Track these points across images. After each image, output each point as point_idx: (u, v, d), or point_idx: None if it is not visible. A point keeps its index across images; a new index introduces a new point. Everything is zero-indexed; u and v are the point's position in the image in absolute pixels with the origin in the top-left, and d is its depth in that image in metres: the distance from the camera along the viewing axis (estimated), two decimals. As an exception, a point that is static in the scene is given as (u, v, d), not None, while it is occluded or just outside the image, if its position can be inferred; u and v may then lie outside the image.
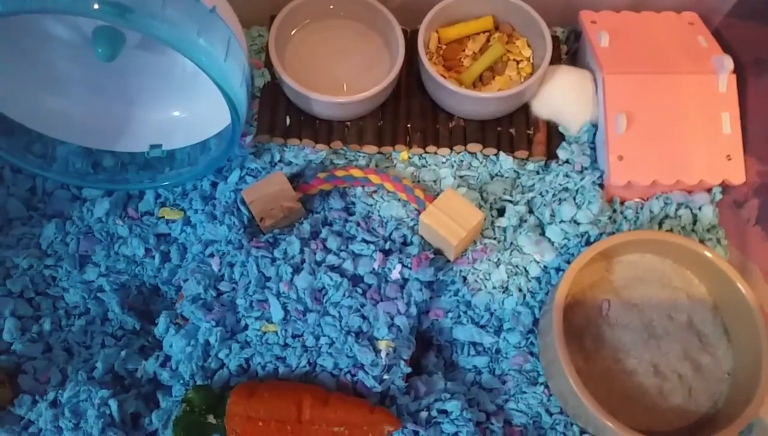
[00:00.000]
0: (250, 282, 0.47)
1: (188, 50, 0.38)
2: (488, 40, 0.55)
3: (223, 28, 0.41)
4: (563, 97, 0.52)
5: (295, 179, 0.52)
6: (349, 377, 0.45)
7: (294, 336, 0.46)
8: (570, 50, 0.58)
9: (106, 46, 0.43)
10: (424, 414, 0.45)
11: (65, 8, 0.35)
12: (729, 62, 0.50)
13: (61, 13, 0.42)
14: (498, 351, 0.49)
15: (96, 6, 0.35)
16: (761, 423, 0.46)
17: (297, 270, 0.48)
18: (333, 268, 0.48)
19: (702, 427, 0.44)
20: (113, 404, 0.44)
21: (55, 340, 0.48)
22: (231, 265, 0.48)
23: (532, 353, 0.48)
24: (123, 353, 0.47)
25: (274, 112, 0.53)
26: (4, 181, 0.52)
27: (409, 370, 0.46)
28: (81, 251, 0.50)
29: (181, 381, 0.45)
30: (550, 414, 0.47)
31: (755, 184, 0.51)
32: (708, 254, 0.46)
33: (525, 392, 0.47)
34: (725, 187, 0.51)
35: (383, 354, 0.45)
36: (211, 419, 0.42)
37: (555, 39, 0.57)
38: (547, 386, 0.47)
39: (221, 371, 0.46)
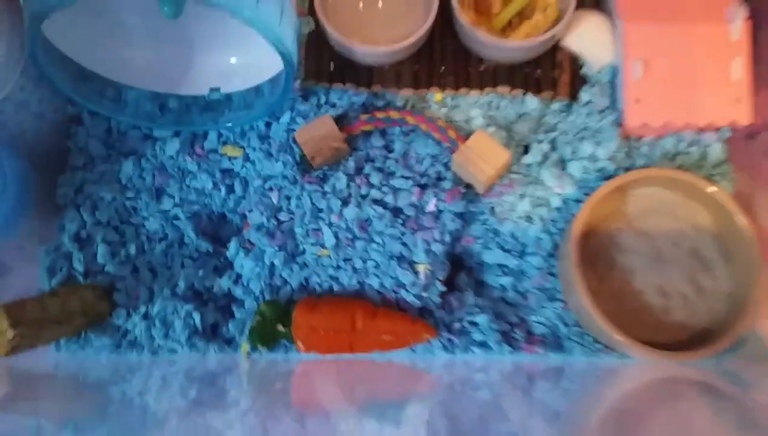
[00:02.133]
0: (305, 213, 0.54)
1: (247, 17, 0.44)
2: (518, -14, 0.59)
3: (289, 7, 0.46)
4: (585, 42, 0.57)
5: (339, 120, 0.57)
6: (392, 294, 0.53)
7: (345, 260, 0.53)
8: (595, -8, 0.62)
9: (171, 5, 0.49)
10: (456, 325, 0.52)
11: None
12: (741, 11, 0.53)
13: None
14: (522, 272, 0.56)
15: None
16: (755, 336, 0.53)
17: (345, 203, 0.54)
18: (376, 201, 0.55)
19: (701, 339, 0.51)
20: (196, 316, 0.52)
21: (141, 262, 0.56)
22: (288, 197, 0.55)
23: (551, 274, 0.55)
24: (200, 272, 0.55)
25: (319, 58, 0.59)
26: (84, 123, 0.59)
27: (443, 288, 0.53)
28: (157, 184, 0.57)
29: (252, 296, 0.53)
30: (567, 325, 0.54)
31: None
32: (710, 188, 0.52)
33: (544, 307, 0.54)
34: (734, 126, 0.56)
35: (421, 275, 0.52)
36: (280, 328, 0.51)
37: (581, -19, 0.61)
38: (563, 302, 0.54)
39: (284, 288, 0.53)
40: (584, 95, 0.57)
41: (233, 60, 0.58)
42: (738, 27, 0.54)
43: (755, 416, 0.40)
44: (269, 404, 0.47)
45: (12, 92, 0.52)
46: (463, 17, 0.56)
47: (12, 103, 0.53)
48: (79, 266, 0.54)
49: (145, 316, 0.53)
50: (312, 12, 0.57)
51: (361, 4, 0.58)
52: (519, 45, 0.55)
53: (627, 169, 0.55)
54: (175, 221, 0.57)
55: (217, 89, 0.58)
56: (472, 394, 0.46)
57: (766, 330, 0.51)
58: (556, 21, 0.57)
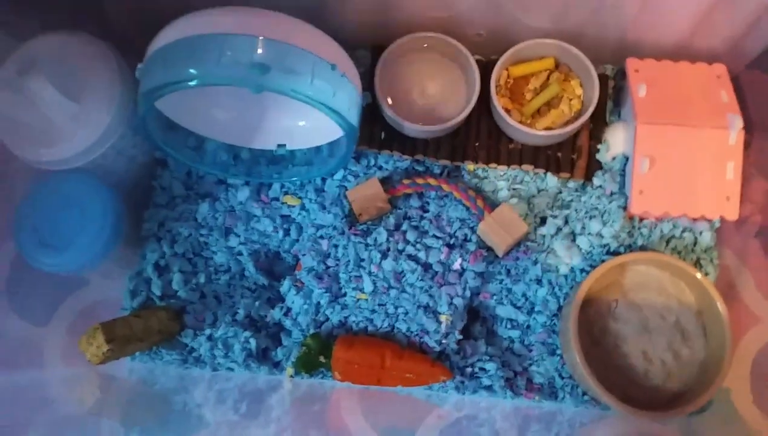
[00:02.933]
0: (349, 261, 0.64)
1: (326, 110, 0.54)
2: (548, 78, 0.68)
3: (349, 86, 0.56)
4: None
5: (384, 182, 0.67)
6: (417, 338, 0.62)
7: (380, 305, 0.63)
8: (617, 85, 0.70)
9: (257, 88, 0.58)
10: (469, 370, 0.62)
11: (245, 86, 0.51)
12: (739, 121, 0.62)
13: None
14: (528, 327, 0.65)
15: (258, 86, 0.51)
16: (721, 401, 0.61)
17: (384, 255, 0.64)
18: (410, 256, 0.64)
19: (674, 401, 0.60)
20: (253, 341, 0.63)
21: (208, 290, 0.66)
22: (336, 246, 0.65)
23: (553, 331, 0.64)
24: (257, 303, 0.65)
25: (372, 127, 0.68)
26: (168, 167, 0.69)
27: (460, 337, 0.63)
28: (226, 224, 0.67)
29: (299, 328, 0.63)
30: (562, 378, 0.63)
31: (760, 203, 0.65)
32: (695, 274, 0.61)
33: (545, 360, 0.64)
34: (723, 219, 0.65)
35: (443, 324, 0.62)
36: (321, 359, 0.61)
37: (604, 77, 0.70)
38: (561, 357, 0.64)
39: (327, 323, 0.63)
40: (597, 180, 0.66)
41: (300, 123, 0.68)
42: (735, 134, 0.63)
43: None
44: (307, 424, 0.57)
45: (114, 141, 0.62)
46: (498, 102, 0.65)
47: (114, 150, 0.63)
48: (156, 291, 0.65)
49: (210, 337, 0.64)
50: (371, 88, 0.67)
51: (414, 88, 0.68)
52: (543, 133, 0.64)
53: (628, 247, 0.65)
54: (238, 257, 0.67)
55: (284, 146, 0.68)
56: (475, 430, 0.56)
57: (730, 397, 0.60)
58: (579, 112, 0.66)
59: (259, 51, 0.52)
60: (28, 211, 0.62)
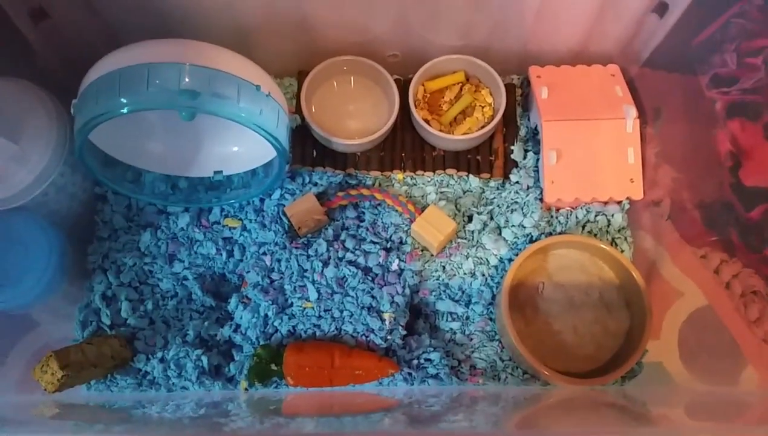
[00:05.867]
0: (293, 273, 0.67)
1: (254, 127, 0.58)
2: (461, 90, 0.74)
3: (274, 105, 0.60)
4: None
5: (320, 197, 0.71)
6: (364, 338, 0.65)
7: (325, 310, 0.66)
8: (524, 93, 0.77)
9: (188, 114, 0.62)
10: (415, 362, 0.65)
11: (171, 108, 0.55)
12: (633, 111, 0.69)
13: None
14: (467, 318, 0.69)
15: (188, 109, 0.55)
16: (649, 366, 0.66)
17: (325, 264, 0.67)
18: (350, 262, 0.68)
19: (605, 369, 0.65)
20: (204, 358, 0.64)
21: (156, 315, 0.68)
22: (279, 260, 0.68)
23: (491, 319, 0.69)
24: (206, 323, 0.67)
25: (304, 146, 0.73)
26: (108, 201, 0.71)
27: (404, 332, 0.66)
28: (170, 251, 0.69)
29: (249, 342, 0.66)
30: (503, 361, 0.67)
31: (668, 187, 0.71)
32: (609, 250, 0.66)
33: (485, 346, 0.68)
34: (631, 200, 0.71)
35: (387, 322, 0.65)
36: (273, 367, 0.63)
37: (511, 86, 0.76)
38: (500, 342, 0.68)
39: (276, 335, 0.66)
40: (514, 176, 0.72)
41: (234, 148, 0.71)
42: (631, 122, 0.70)
43: (642, 417, 0.53)
44: (264, 416, 0.58)
45: (54, 178, 0.64)
46: (419, 115, 0.71)
47: (54, 187, 0.65)
48: (106, 320, 0.66)
49: (162, 360, 0.65)
50: (299, 111, 0.71)
51: (340, 108, 0.73)
52: (461, 138, 0.70)
53: (548, 234, 0.70)
54: (184, 281, 0.69)
55: (220, 172, 0.72)
56: (427, 409, 0.59)
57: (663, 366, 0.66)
58: (491, 118, 0.73)
59: (186, 78, 0.56)
60: (-29, 251, 0.63)
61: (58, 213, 0.68)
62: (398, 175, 0.73)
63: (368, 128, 0.72)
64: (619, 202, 0.72)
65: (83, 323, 0.66)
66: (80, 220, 0.71)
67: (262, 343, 0.65)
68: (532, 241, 0.70)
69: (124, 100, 0.54)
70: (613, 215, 0.71)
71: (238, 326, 0.67)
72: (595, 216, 0.71)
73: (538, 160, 0.72)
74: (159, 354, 0.65)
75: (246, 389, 0.65)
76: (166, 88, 0.54)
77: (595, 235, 0.71)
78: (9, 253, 0.63)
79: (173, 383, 0.65)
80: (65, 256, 0.65)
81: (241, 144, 0.71)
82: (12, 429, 0.47)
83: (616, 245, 0.71)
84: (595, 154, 0.70)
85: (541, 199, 0.71)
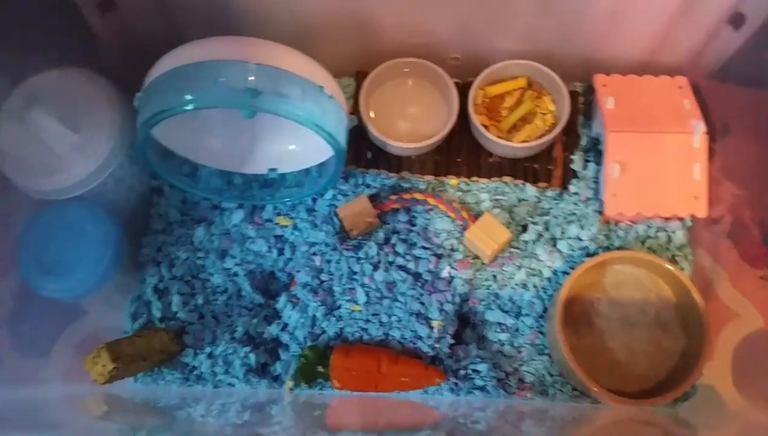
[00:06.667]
0: (342, 275, 0.67)
1: (316, 128, 0.57)
2: (522, 96, 0.72)
3: (336, 106, 0.60)
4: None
5: (373, 199, 0.70)
6: (411, 344, 0.65)
7: (373, 314, 0.65)
8: (586, 102, 0.75)
9: (250, 112, 0.62)
10: (462, 372, 0.64)
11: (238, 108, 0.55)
12: (702, 126, 0.66)
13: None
14: (517, 330, 0.67)
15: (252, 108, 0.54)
16: (701, 388, 0.64)
17: (375, 267, 0.67)
18: (400, 267, 0.67)
19: (657, 389, 0.63)
20: (252, 356, 0.64)
21: (206, 310, 0.68)
22: (328, 261, 0.68)
23: (541, 332, 0.67)
24: (254, 320, 0.67)
25: (359, 147, 0.72)
26: (164, 194, 0.72)
27: (452, 341, 0.65)
28: (222, 246, 0.70)
29: (296, 342, 0.65)
30: (552, 375, 0.66)
31: (729, 204, 0.68)
32: (669, 267, 0.64)
33: (534, 360, 0.66)
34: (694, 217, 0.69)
35: (435, 330, 0.64)
36: (320, 368, 0.63)
37: (575, 93, 0.74)
38: (550, 356, 0.66)
39: (323, 336, 0.66)
40: (572, 187, 0.70)
41: (291, 147, 0.71)
42: (699, 138, 0.67)
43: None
44: (308, 426, 0.58)
45: (113, 169, 0.65)
46: (477, 119, 0.69)
47: (113, 178, 0.66)
48: (157, 313, 0.67)
49: (210, 355, 0.66)
50: (356, 112, 0.71)
51: (397, 110, 0.72)
52: (520, 145, 0.68)
53: (606, 249, 0.68)
54: (235, 278, 0.69)
55: (275, 170, 0.72)
56: (471, 426, 0.58)
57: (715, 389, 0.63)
58: (552, 126, 0.71)
59: (251, 76, 0.55)
60: (31, 239, 0.64)
61: (115, 204, 0.69)
62: (452, 181, 0.72)
63: (423, 131, 0.71)
64: (681, 219, 0.69)
65: (134, 315, 0.67)
66: (136, 212, 0.72)
67: (309, 343, 0.65)
68: (588, 254, 0.68)
69: (189, 97, 0.55)
70: (674, 232, 0.69)
71: (285, 324, 0.67)
72: (656, 232, 0.69)
73: (598, 170, 0.70)
74: (207, 350, 0.66)
75: (291, 389, 0.65)
76: (232, 87, 0.54)
77: (655, 251, 0.68)
78: (66, 242, 0.64)
79: (220, 380, 0.65)
80: (121, 247, 0.66)
81: (297, 143, 0.71)
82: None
83: (676, 262, 0.68)
84: (660, 168, 0.67)
85: (601, 212, 0.69)
